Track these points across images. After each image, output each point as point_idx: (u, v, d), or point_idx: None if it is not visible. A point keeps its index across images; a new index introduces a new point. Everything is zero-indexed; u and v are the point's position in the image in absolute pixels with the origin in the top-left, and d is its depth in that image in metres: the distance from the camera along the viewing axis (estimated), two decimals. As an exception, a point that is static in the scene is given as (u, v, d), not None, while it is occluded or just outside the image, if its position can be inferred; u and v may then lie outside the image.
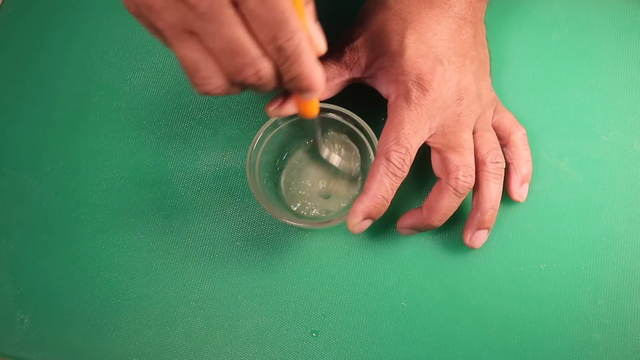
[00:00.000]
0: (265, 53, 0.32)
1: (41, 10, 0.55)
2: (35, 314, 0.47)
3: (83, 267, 0.48)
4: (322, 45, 0.34)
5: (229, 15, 0.30)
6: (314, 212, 0.46)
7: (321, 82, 0.34)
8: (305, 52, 0.32)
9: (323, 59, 0.44)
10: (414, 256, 0.47)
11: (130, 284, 0.47)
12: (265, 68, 0.32)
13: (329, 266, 0.47)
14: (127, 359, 0.46)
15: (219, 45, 0.31)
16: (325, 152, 0.44)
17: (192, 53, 0.32)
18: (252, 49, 0.31)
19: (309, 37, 0.33)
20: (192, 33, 0.31)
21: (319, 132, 0.42)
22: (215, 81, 0.33)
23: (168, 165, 0.50)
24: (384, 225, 0.46)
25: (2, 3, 0.56)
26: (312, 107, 0.38)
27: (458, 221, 0.46)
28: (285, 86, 0.34)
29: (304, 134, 0.47)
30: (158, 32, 0.32)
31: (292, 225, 0.45)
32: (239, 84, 0.33)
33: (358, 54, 0.44)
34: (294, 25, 0.30)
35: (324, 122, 0.47)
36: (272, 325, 0.46)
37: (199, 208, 0.49)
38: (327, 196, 0.46)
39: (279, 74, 0.33)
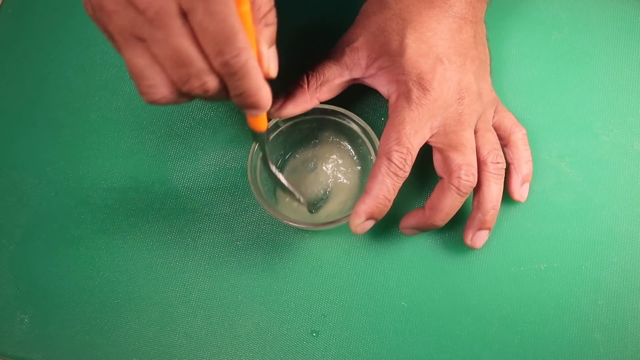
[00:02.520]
0: (212, 67, 0.32)
1: (41, 10, 0.55)
2: (35, 314, 0.47)
3: (83, 267, 0.48)
4: (273, 70, 0.35)
5: (177, 25, 0.30)
6: (313, 212, 0.46)
7: (267, 100, 0.34)
8: (253, 70, 0.32)
9: (324, 60, 0.45)
10: (414, 256, 0.47)
11: (130, 284, 0.47)
12: (211, 81, 0.32)
13: (329, 266, 0.47)
14: (127, 359, 0.46)
15: (165, 54, 0.31)
16: (273, 167, 0.44)
17: (139, 59, 0.32)
18: (198, 61, 0.31)
19: (260, 57, 0.33)
20: (140, 39, 0.31)
21: (267, 147, 0.42)
22: (161, 90, 0.33)
23: (168, 165, 0.50)
24: (384, 226, 0.46)
25: (2, 3, 0.56)
26: (260, 123, 0.38)
27: (458, 221, 0.46)
28: (232, 100, 0.34)
29: (304, 135, 0.47)
30: (110, 36, 0.33)
31: (292, 226, 0.45)
32: (186, 94, 0.33)
33: (358, 55, 0.44)
34: (242, 42, 0.31)
35: (324, 123, 0.47)
36: (272, 325, 0.46)
37: (199, 208, 0.49)
38: (325, 197, 0.46)
39: (226, 88, 0.33)
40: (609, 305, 0.45)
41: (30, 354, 0.46)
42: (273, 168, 0.43)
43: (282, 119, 0.45)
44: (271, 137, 0.46)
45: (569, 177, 0.48)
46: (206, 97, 0.33)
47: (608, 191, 0.47)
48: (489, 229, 0.44)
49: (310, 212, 0.46)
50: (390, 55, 0.43)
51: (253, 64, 0.32)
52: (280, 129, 0.46)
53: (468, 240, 0.44)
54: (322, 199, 0.46)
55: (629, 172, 0.48)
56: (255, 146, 0.44)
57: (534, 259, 0.46)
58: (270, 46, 0.35)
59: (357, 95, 0.47)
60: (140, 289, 0.47)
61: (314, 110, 0.45)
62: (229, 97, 0.34)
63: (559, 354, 0.44)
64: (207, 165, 0.50)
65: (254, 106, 0.34)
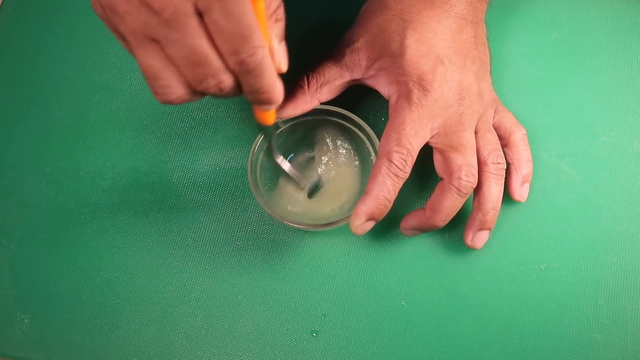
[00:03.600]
0: (227, 65, 0.32)
1: (41, 10, 0.55)
2: (35, 314, 0.47)
3: (83, 267, 0.48)
4: (284, 66, 0.35)
5: (193, 25, 0.30)
6: (313, 212, 0.46)
7: (280, 95, 0.34)
8: (267, 68, 0.32)
9: (324, 60, 0.45)
10: (414, 256, 0.47)
11: (130, 283, 0.47)
12: (226, 80, 0.32)
13: (329, 266, 0.47)
14: (127, 359, 0.46)
15: (181, 54, 0.31)
16: (278, 158, 0.44)
17: (153, 60, 0.32)
18: (214, 61, 0.31)
19: (272, 53, 0.33)
20: (154, 40, 0.31)
21: (274, 138, 0.42)
22: (176, 90, 0.33)
23: (168, 165, 0.50)
24: (384, 226, 0.46)
25: (2, 3, 0.56)
26: (270, 116, 0.39)
27: (458, 222, 0.46)
28: (245, 97, 0.34)
29: (305, 136, 0.47)
30: (121, 37, 0.32)
31: (292, 227, 0.45)
32: (200, 93, 0.33)
33: (359, 55, 0.44)
34: (258, 41, 0.31)
35: (324, 124, 0.47)
36: (272, 325, 0.46)
37: (199, 208, 0.49)
38: (323, 197, 0.46)
39: (239, 85, 0.33)
40: (609, 305, 0.45)
41: (30, 354, 0.46)
42: (279, 159, 0.44)
43: (283, 119, 0.45)
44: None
45: (569, 177, 0.48)
46: (220, 95, 0.33)
47: (608, 191, 0.47)
48: (489, 229, 0.44)
49: (309, 197, 0.46)
50: (390, 56, 0.42)
51: (268, 61, 0.32)
52: (280, 129, 0.46)
53: (468, 241, 0.44)
54: (317, 185, 0.46)
55: (629, 172, 0.48)
56: (255, 146, 0.44)
57: (534, 259, 0.46)
58: (280, 41, 0.35)
59: (357, 96, 0.47)
60: (140, 289, 0.47)
61: (314, 111, 0.45)
62: (242, 94, 0.34)
63: (559, 354, 0.44)
64: (207, 165, 0.50)
65: (267, 102, 0.34)
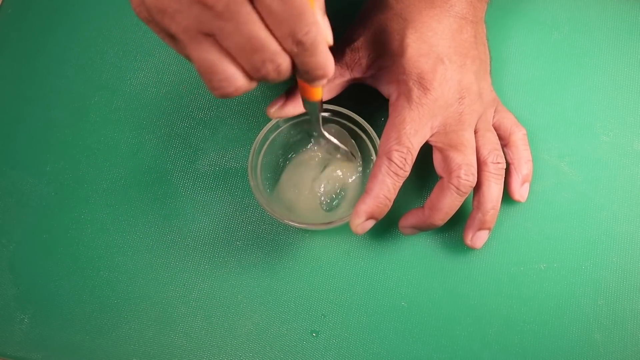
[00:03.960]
0: (283, 47, 0.31)
1: (41, 10, 0.55)
2: (35, 314, 0.47)
3: (83, 267, 0.48)
4: (330, 38, 0.35)
5: (247, 12, 0.30)
6: (314, 211, 0.46)
7: (333, 69, 0.34)
8: (322, 44, 0.32)
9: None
10: (414, 256, 0.47)
11: (130, 283, 0.47)
12: (284, 62, 0.32)
13: (329, 266, 0.47)
14: (127, 359, 0.46)
15: (238, 44, 0.31)
16: (326, 133, 0.44)
17: (209, 55, 0.31)
18: (271, 44, 0.31)
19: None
20: (208, 34, 0.31)
21: (320, 114, 0.42)
22: (234, 82, 0.32)
23: (168, 165, 0.50)
24: (384, 225, 0.46)
25: (2, 3, 0.56)
26: (319, 92, 0.39)
27: (458, 221, 0.46)
28: (300, 76, 0.34)
29: (305, 135, 0.47)
30: (171, 37, 0.32)
31: (292, 226, 0.45)
32: (257, 80, 0.33)
33: (359, 54, 0.44)
34: (311, 18, 0.30)
35: (325, 122, 0.47)
36: (272, 325, 0.46)
37: (199, 208, 0.49)
38: (340, 196, 0.46)
39: (294, 65, 0.33)
40: (609, 305, 0.45)
41: (30, 354, 0.46)
42: (325, 134, 0.44)
43: (283, 118, 0.45)
44: (271, 137, 0.46)
45: (569, 177, 0.48)
46: (277, 78, 0.33)
47: (608, 191, 0.47)
48: (489, 229, 0.44)
49: (326, 210, 0.46)
50: (390, 55, 0.43)
51: (321, 37, 0.32)
52: (280, 129, 0.46)
53: (468, 241, 0.44)
54: (336, 198, 0.46)
55: (629, 172, 0.48)
56: (255, 146, 0.44)
57: (534, 259, 0.46)
58: (323, 15, 0.35)
59: (357, 95, 0.47)
60: (140, 289, 0.47)
61: (314, 111, 0.45)
62: (294, 74, 0.34)
63: (559, 354, 0.44)
64: (207, 165, 0.50)
65: (322, 77, 0.34)
